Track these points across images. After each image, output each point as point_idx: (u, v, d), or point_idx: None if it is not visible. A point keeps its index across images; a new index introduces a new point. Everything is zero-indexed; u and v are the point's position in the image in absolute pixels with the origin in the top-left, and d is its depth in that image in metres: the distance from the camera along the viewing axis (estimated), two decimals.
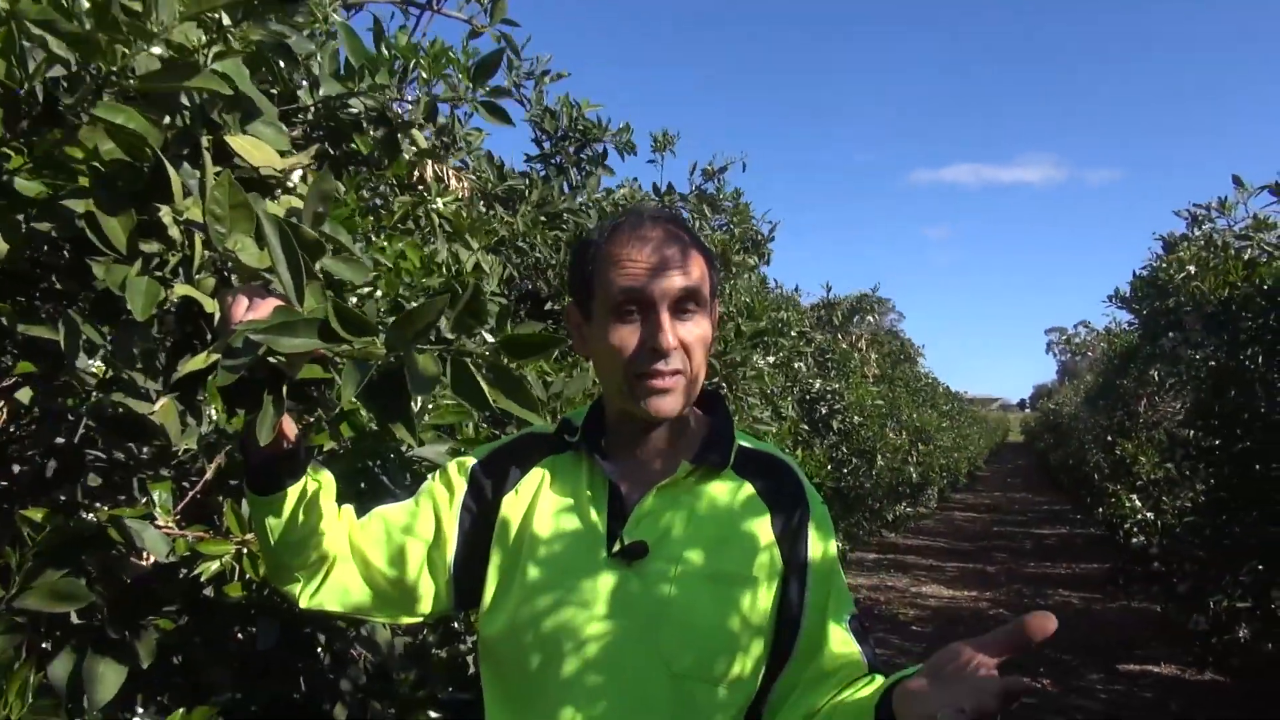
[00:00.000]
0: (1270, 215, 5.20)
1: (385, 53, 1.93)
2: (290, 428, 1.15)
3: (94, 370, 1.46)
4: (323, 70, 1.87)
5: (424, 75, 1.96)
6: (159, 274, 1.10)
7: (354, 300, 1.82)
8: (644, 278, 1.18)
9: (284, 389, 1.02)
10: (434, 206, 2.28)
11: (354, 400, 1.70)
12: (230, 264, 1.11)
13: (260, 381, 1.01)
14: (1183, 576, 5.55)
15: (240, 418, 1.60)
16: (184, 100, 1.17)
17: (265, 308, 1.00)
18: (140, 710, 1.51)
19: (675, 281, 1.18)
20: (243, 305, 1.03)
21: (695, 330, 1.20)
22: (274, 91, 1.88)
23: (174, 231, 1.12)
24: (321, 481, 1.20)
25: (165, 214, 1.11)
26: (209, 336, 1.15)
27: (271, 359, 0.99)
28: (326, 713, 1.71)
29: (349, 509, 1.29)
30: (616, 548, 1.18)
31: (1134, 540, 6.48)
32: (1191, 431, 5.23)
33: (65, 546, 1.31)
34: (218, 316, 1.07)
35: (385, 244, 2.10)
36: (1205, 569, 5.17)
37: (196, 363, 1.02)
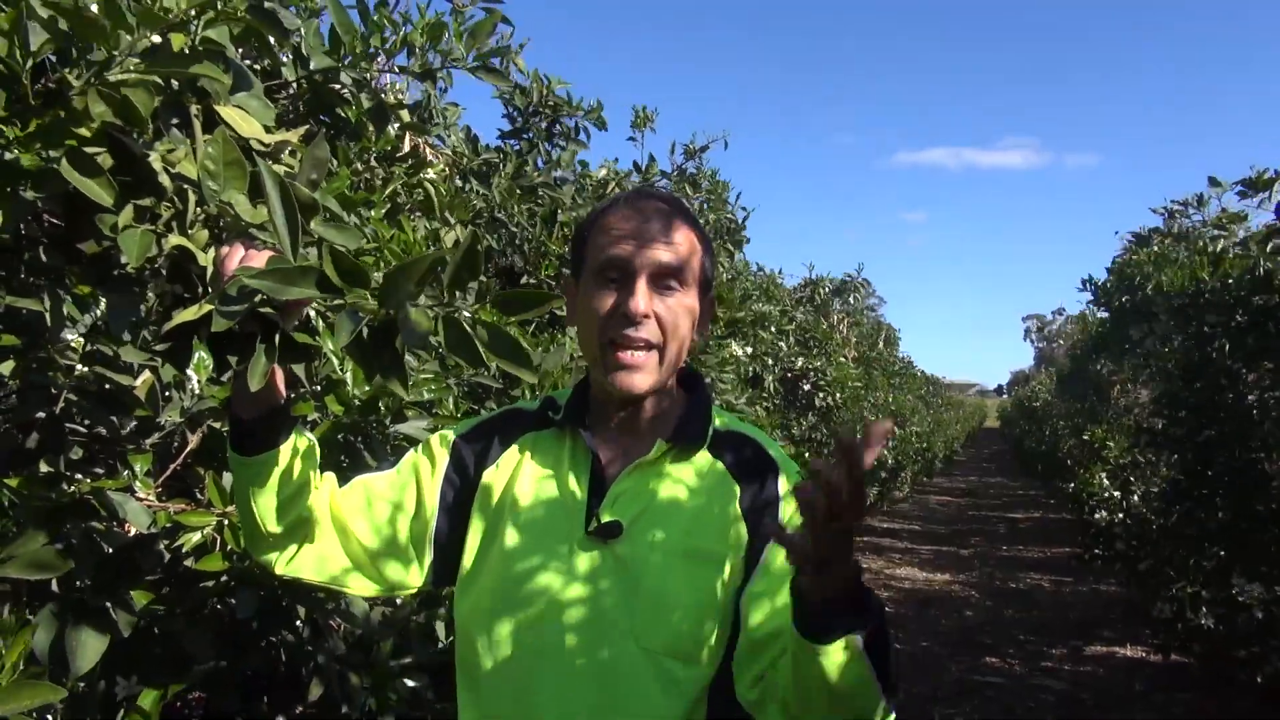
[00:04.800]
0: (1243, 209, 5.28)
1: (377, 19, 1.94)
2: (280, 385, 1.14)
3: (74, 345, 1.47)
4: (309, 45, 1.88)
5: (419, 42, 1.96)
6: (152, 228, 1.11)
7: None
8: (628, 246, 1.19)
9: (277, 339, 1.03)
10: (428, 177, 2.28)
11: (340, 361, 1.71)
12: (223, 220, 1.11)
13: (252, 333, 1.01)
14: (1143, 554, 5.66)
15: (225, 388, 1.61)
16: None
17: (260, 258, 1.01)
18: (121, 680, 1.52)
19: (658, 254, 1.20)
20: (237, 256, 1.03)
21: (675, 307, 1.21)
22: (258, 67, 1.89)
23: (164, 179, 1.12)
24: (305, 446, 1.20)
25: (155, 159, 1.12)
26: (200, 291, 1.15)
27: (265, 310, 0.99)
28: (305, 684, 1.73)
29: (330, 476, 1.28)
30: (593, 526, 1.19)
31: (1098, 515, 6.59)
32: (1160, 422, 5.32)
33: (46, 516, 1.32)
34: (210, 270, 1.08)
35: (375, 217, 2.11)
36: (1169, 555, 5.28)
37: (189, 313, 1.02)
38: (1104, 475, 6.66)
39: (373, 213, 2.09)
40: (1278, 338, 4.08)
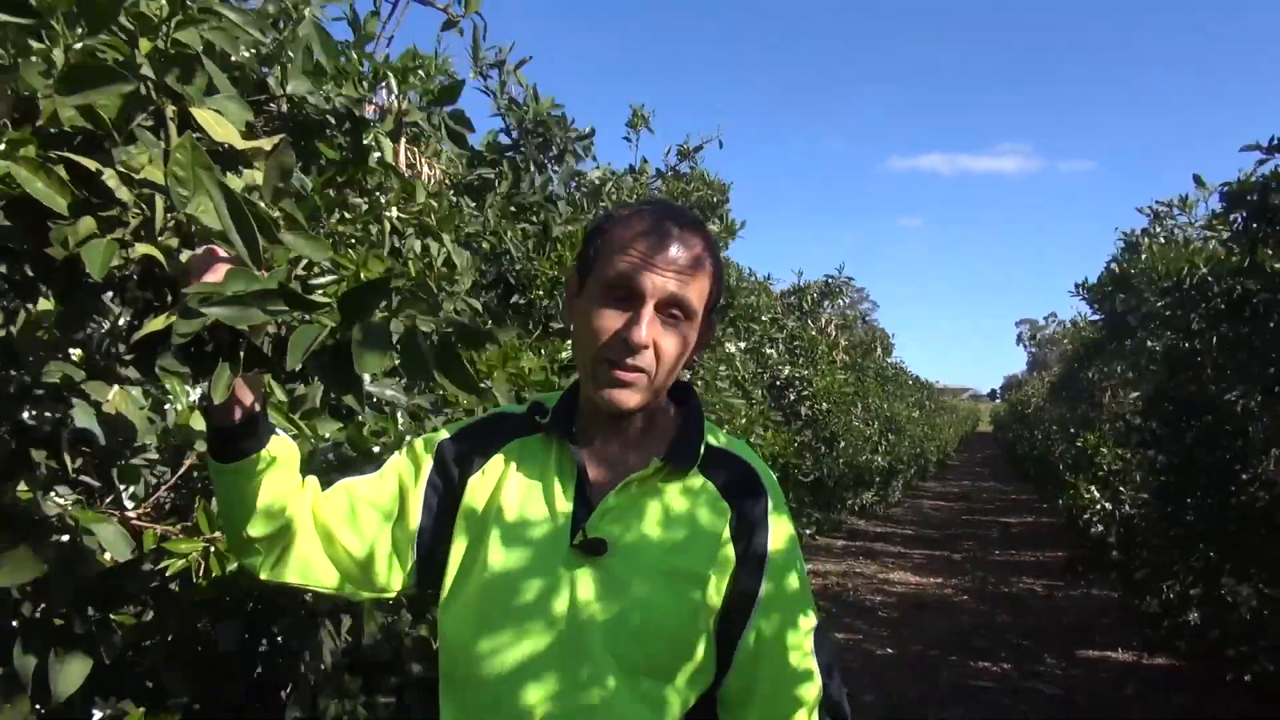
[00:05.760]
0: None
1: (355, 57, 1.94)
2: (251, 393, 1.13)
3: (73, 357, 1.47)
4: (294, 65, 1.86)
5: (394, 85, 1.98)
6: (118, 235, 1.09)
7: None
8: (642, 269, 1.17)
9: (241, 351, 1.01)
10: (389, 214, 2.27)
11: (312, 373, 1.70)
12: (194, 226, 1.10)
13: (218, 344, 1.00)
14: (1138, 563, 5.68)
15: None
16: (147, 71, 1.18)
17: (223, 270, 0.99)
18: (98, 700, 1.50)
19: (670, 284, 1.18)
20: (204, 263, 1.02)
21: (674, 338, 1.20)
22: (243, 79, 1.88)
23: (122, 194, 1.11)
24: (285, 450, 1.19)
25: (110, 176, 1.10)
26: (170, 299, 1.13)
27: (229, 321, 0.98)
28: (283, 705, 1.71)
29: (313, 480, 1.27)
30: (578, 540, 1.18)
31: (1093, 530, 6.61)
32: (1147, 420, 5.35)
33: (22, 535, 1.31)
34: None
35: (349, 248, 2.11)
36: (1158, 555, 5.30)
37: (155, 324, 1.01)
38: (1094, 488, 6.67)
39: (347, 239, 2.08)
40: (1252, 320, 4.10)
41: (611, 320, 1.19)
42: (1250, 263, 3.99)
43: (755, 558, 1.23)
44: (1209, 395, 4.60)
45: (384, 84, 2.05)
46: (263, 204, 1.09)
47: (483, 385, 2.12)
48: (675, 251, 1.19)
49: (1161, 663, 6.05)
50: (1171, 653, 5.65)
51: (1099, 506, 6.38)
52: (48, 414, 1.43)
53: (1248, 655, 4.62)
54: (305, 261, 1.12)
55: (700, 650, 1.20)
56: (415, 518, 1.25)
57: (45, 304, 1.34)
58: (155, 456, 1.58)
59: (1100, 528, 6.37)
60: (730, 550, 1.23)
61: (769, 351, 8.25)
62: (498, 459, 1.28)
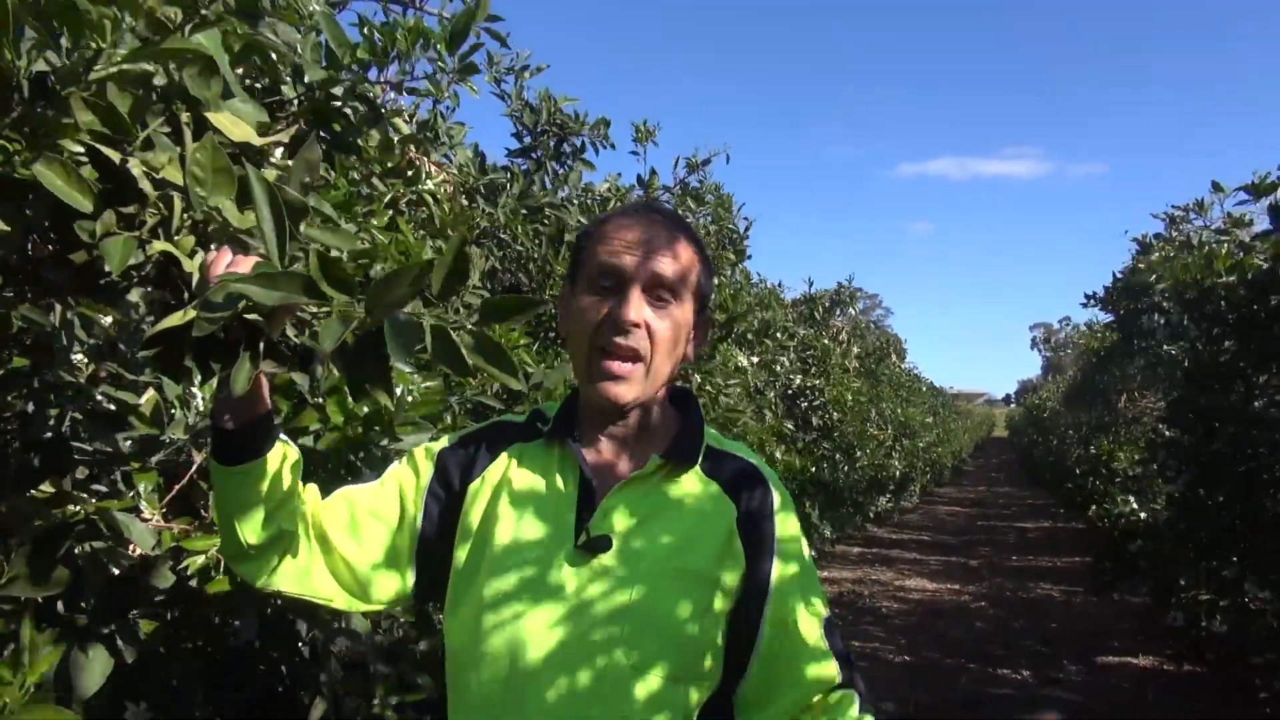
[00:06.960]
0: (1246, 213, 5.27)
1: (367, 33, 1.96)
2: (265, 394, 1.12)
3: (79, 364, 1.48)
4: (305, 60, 1.88)
5: (403, 48, 1.98)
6: (136, 234, 1.08)
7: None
8: (625, 255, 1.20)
9: (261, 346, 1.00)
10: (425, 187, 2.28)
11: (335, 367, 1.71)
12: (211, 226, 1.09)
13: (237, 340, 0.99)
14: (1162, 571, 5.63)
15: None
16: (159, 80, 1.17)
17: (246, 263, 0.99)
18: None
19: (653, 265, 1.20)
20: (223, 261, 1.01)
21: (664, 320, 1.21)
22: (259, 85, 1.89)
23: (145, 185, 1.10)
24: (289, 458, 1.17)
25: (134, 165, 1.09)
26: (187, 297, 1.12)
27: (250, 315, 0.97)
28: (307, 705, 1.71)
29: (314, 488, 1.25)
30: (582, 539, 1.18)
31: (1131, 546, 6.50)
32: (1169, 429, 5.30)
33: (48, 535, 1.31)
34: (195, 277, 1.06)
35: (375, 224, 2.10)
36: (1181, 563, 5.25)
37: (173, 319, 0.99)
38: (1132, 499, 6.54)
39: (374, 220, 2.08)
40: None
41: (599, 307, 1.20)
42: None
43: (764, 551, 1.23)
44: (1232, 403, 4.55)
45: (394, 58, 2.05)
46: (293, 193, 1.08)
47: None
48: (657, 235, 1.22)
49: (1182, 669, 5.98)
50: (1194, 659, 5.58)
51: (1135, 518, 6.28)
52: (78, 416, 1.43)
53: (1274, 663, 4.56)
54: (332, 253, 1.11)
55: (709, 648, 1.19)
56: (416, 526, 1.25)
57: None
58: (161, 456, 1.58)
59: (1140, 542, 6.27)
60: (738, 545, 1.23)
61: (782, 359, 8.21)
62: (499, 463, 1.27)
